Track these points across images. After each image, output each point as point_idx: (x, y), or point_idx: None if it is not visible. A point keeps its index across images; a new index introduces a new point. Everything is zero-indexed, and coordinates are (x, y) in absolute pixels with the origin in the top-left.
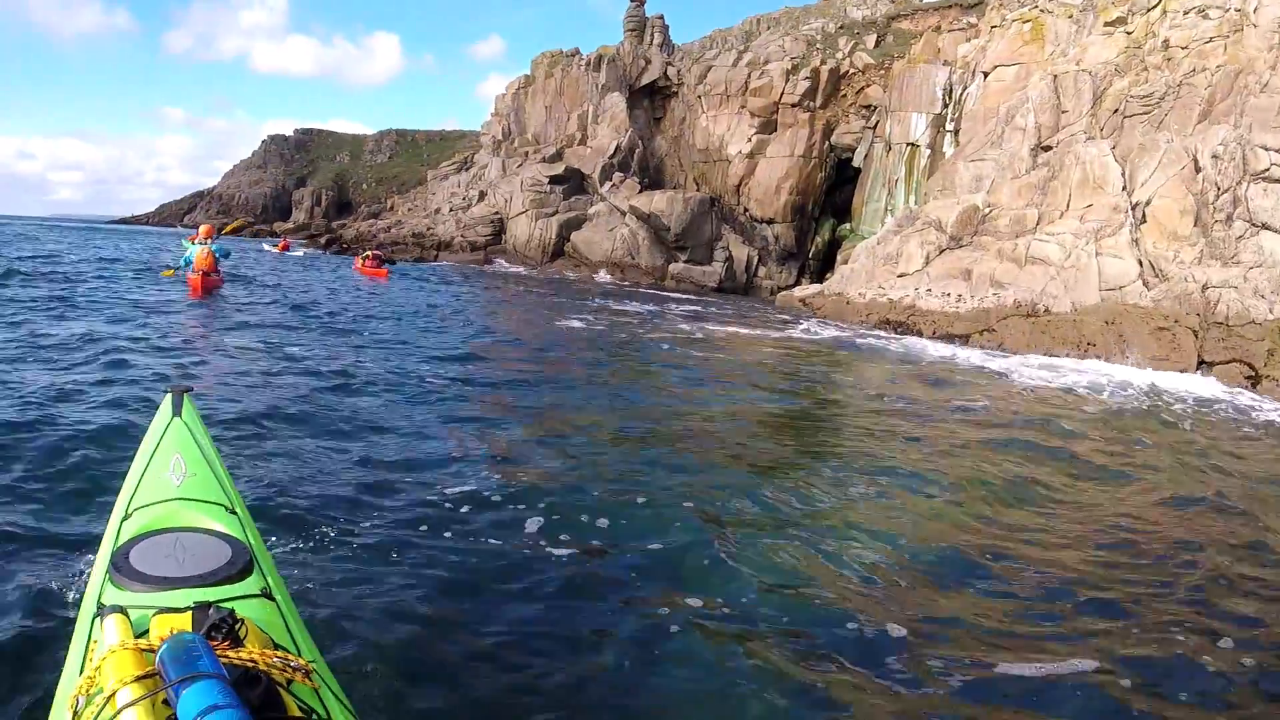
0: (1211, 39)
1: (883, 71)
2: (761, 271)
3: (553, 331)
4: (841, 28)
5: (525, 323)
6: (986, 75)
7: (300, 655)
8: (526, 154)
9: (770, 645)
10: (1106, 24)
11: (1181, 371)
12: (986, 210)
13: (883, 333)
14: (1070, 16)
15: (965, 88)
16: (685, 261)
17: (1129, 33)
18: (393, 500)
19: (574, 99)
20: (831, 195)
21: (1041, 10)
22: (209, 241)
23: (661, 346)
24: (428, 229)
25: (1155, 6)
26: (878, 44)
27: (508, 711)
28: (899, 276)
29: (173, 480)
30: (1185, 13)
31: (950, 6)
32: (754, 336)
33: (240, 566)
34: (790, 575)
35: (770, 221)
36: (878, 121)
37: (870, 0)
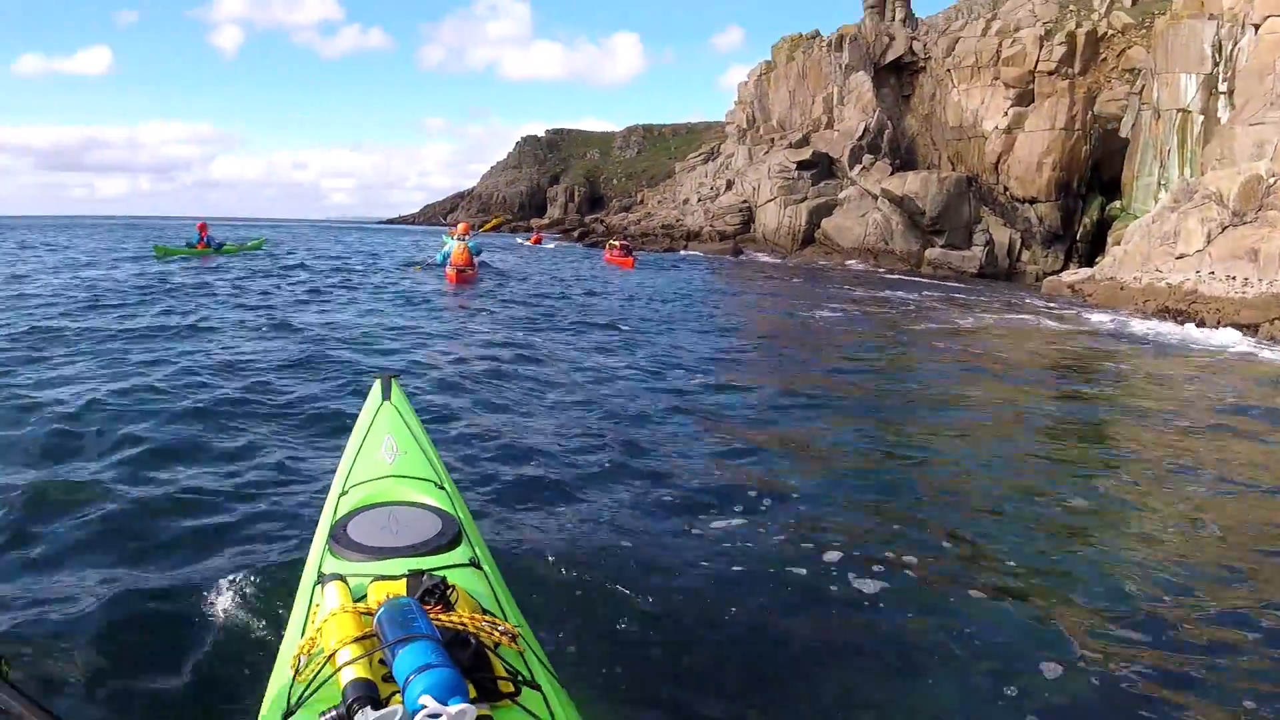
0: None
1: (1144, 31)
2: (1025, 256)
3: (808, 323)
4: None
5: (777, 314)
6: (1257, 28)
7: (507, 620)
8: (772, 141)
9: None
10: None
11: None
12: (1271, 180)
13: (1158, 322)
14: None
15: (1236, 43)
16: (942, 246)
17: None
18: (623, 489)
19: (817, 82)
20: (1099, 170)
21: None
22: (465, 238)
23: (931, 344)
24: (676, 220)
25: None
26: (1135, 1)
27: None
28: (1177, 258)
29: (385, 459)
30: None
31: None
32: (1025, 327)
33: (450, 537)
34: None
35: (1032, 201)
36: (1143, 86)
37: None
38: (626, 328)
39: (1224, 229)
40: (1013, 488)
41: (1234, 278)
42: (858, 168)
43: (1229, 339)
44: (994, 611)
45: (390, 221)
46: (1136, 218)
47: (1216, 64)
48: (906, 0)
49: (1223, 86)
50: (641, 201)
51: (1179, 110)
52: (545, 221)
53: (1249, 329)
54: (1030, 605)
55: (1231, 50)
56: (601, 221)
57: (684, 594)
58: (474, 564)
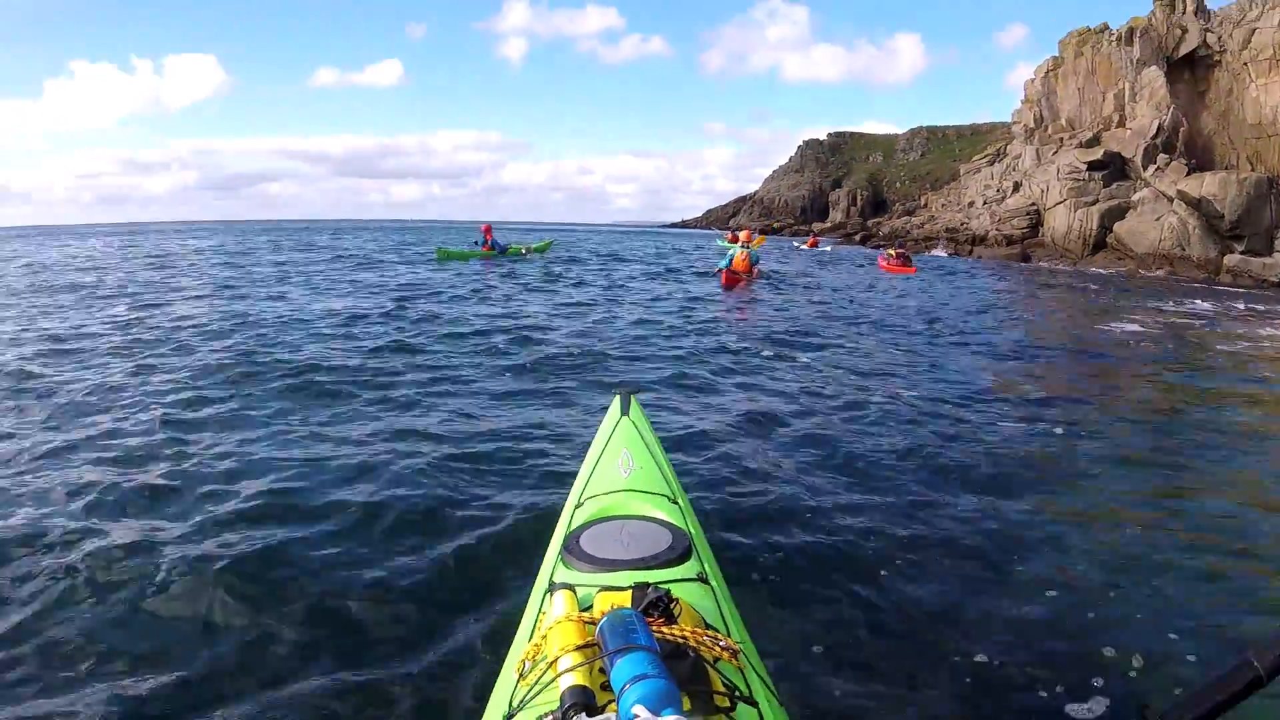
0: None
1: None
2: None
3: (1091, 337)
4: None
5: (1071, 336)
6: None
7: (730, 636)
8: (1061, 140)
9: None
10: None
11: None
12: None
13: None
14: None
15: None
16: (1242, 252)
17: None
18: (871, 515)
19: (1107, 78)
20: None
21: None
22: (749, 245)
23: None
24: (961, 223)
25: None
26: None
27: None
28: None
29: (621, 473)
30: None
31: None
32: None
33: (679, 552)
34: None
35: None
36: None
37: None
38: (902, 344)
39: None
40: None
41: None
42: (1151, 168)
43: None
44: None
45: (673, 225)
46: None
47: None
48: None
49: None
50: (925, 205)
51: None
52: (827, 225)
53: None
54: None
55: None
56: (884, 225)
57: (925, 621)
58: (701, 579)
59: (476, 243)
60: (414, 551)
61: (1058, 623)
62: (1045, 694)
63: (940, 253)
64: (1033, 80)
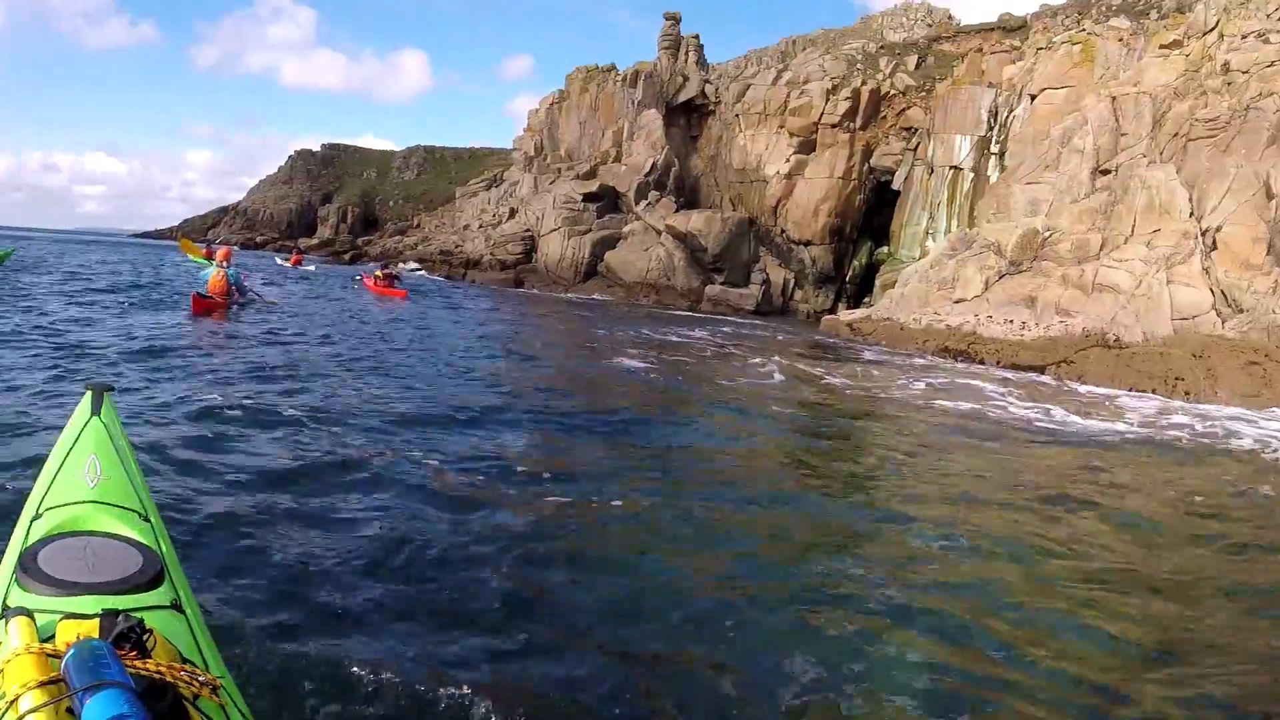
0: (1273, 63)
1: (924, 93)
2: (798, 294)
3: (609, 375)
4: (882, 48)
5: (573, 365)
6: (1034, 98)
7: (209, 670)
8: (559, 170)
9: None
10: (1161, 47)
11: (1272, 408)
12: (1046, 234)
13: (944, 361)
14: (1120, 40)
15: (1012, 110)
16: (722, 284)
17: (1186, 55)
18: (349, 540)
19: (609, 115)
20: (870, 218)
21: (1090, 33)
22: (225, 264)
23: (768, 409)
24: (456, 246)
25: (1212, 30)
26: (918, 65)
27: None
28: (956, 302)
29: (87, 482)
30: (1243, 37)
31: (993, 29)
32: (832, 372)
33: (151, 575)
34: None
35: (807, 244)
36: (919, 144)
37: (908, 22)
38: (398, 388)
39: (1001, 277)
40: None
41: (1012, 321)
42: (643, 203)
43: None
44: None
45: (147, 235)
46: (903, 262)
47: (991, 128)
48: (700, 46)
49: (995, 148)
50: (418, 225)
51: (951, 167)
52: (315, 242)
53: (1035, 369)
54: None
55: (1007, 116)
56: (375, 244)
57: (409, 657)
58: (175, 607)
59: None
60: None
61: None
62: None
63: (419, 271)
64: (537, 110)
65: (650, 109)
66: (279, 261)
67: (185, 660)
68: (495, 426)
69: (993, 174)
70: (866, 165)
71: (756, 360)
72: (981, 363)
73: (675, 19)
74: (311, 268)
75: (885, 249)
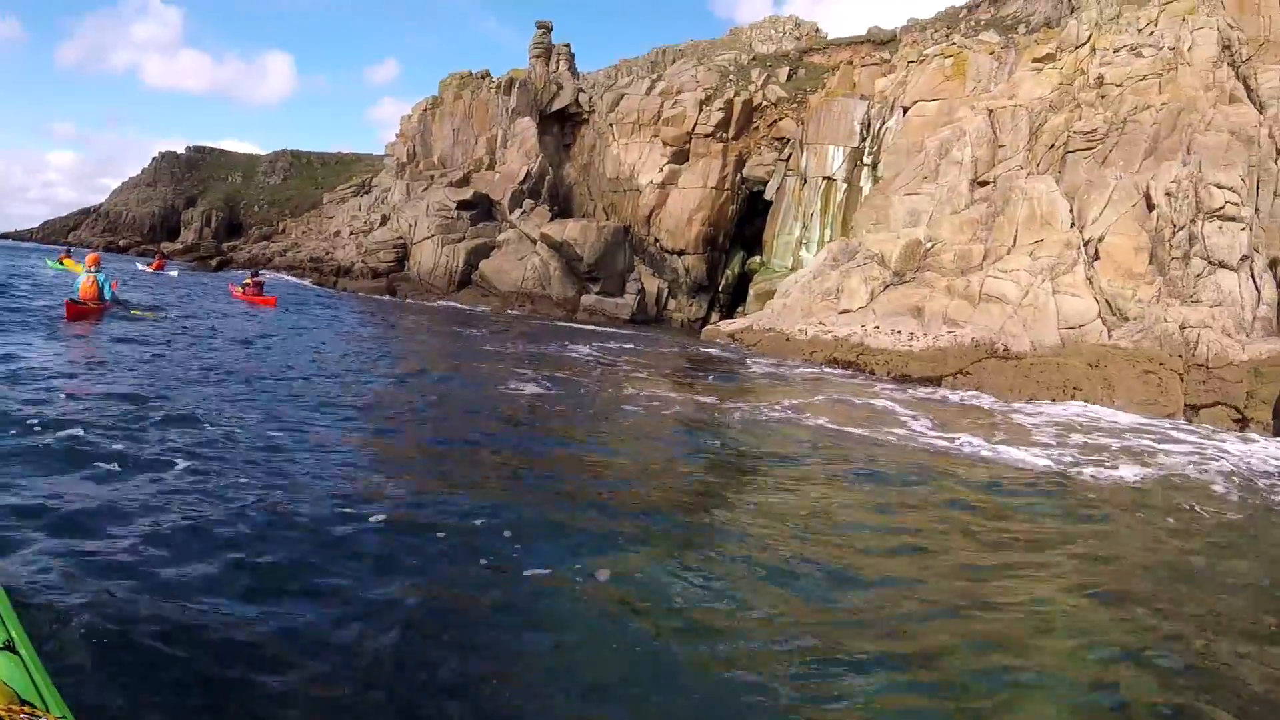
0: (1146, 77)
1: (795, 104)
2: (671, 304)
3: (492, 397)
4: (753, 59)
5: (458, 386)
6: (907, 110)
7: (49, 711)
8: (432, 178)
9: None
10: (1034, 60)
11: (1169, 416)
12: (929, 245)
13: (834, 372)
14: (992, 53)
15: (884, 122)
16: (597, 293)
17: (1060, 69)
18: (195, 566)
19: (483, 123)
20: (741, 228)
21: (961, 47)
22: (94, 269)
23: (666, 432)
24: (326, 253)
25: (1084, 44)
26: (790, 77)
27: None
28: (841, 313)
29: None
30: (1115, 50)
31: (863, 43)
32: (727, 399)
33: None
34: None
35: (681, 253)
36: (790, 154)
37: (776, 35)
38: (272, 409)
39: (886, 287)
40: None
41: (899, 332)
42: (518, 211)
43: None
44: None
45: (4, 236)
46: (775, 272)
47: (864, 139)
48: (571, 55)
49: (868, 159)
50: (283, 231)
51: (824, 178)
52: (179, 246)
53: (931, 381)
54: None
55: (880, 128)
56: (241, 250)
57: (256, 675)
58: (9, 648)
59: None
60: None
61: None
62: None
63: (289, 277)
64: (410, 116)
65: (524, 117)
66: (140, 267)
67: (24, 702)
68: (365, 464)
69: (865, 185)
70: (739, 175)
71: (643, 378)
72: (872, 373)
73: (547, 28)
74: (174, 273)
75: (758, 258)
